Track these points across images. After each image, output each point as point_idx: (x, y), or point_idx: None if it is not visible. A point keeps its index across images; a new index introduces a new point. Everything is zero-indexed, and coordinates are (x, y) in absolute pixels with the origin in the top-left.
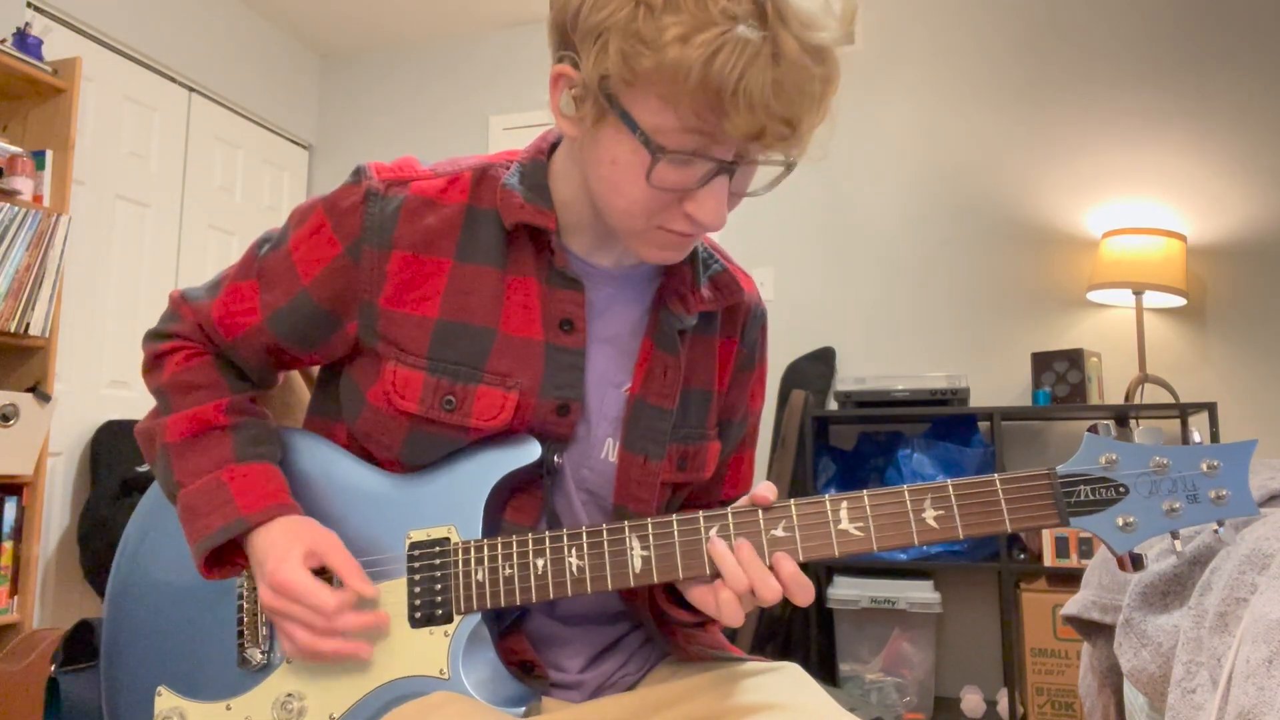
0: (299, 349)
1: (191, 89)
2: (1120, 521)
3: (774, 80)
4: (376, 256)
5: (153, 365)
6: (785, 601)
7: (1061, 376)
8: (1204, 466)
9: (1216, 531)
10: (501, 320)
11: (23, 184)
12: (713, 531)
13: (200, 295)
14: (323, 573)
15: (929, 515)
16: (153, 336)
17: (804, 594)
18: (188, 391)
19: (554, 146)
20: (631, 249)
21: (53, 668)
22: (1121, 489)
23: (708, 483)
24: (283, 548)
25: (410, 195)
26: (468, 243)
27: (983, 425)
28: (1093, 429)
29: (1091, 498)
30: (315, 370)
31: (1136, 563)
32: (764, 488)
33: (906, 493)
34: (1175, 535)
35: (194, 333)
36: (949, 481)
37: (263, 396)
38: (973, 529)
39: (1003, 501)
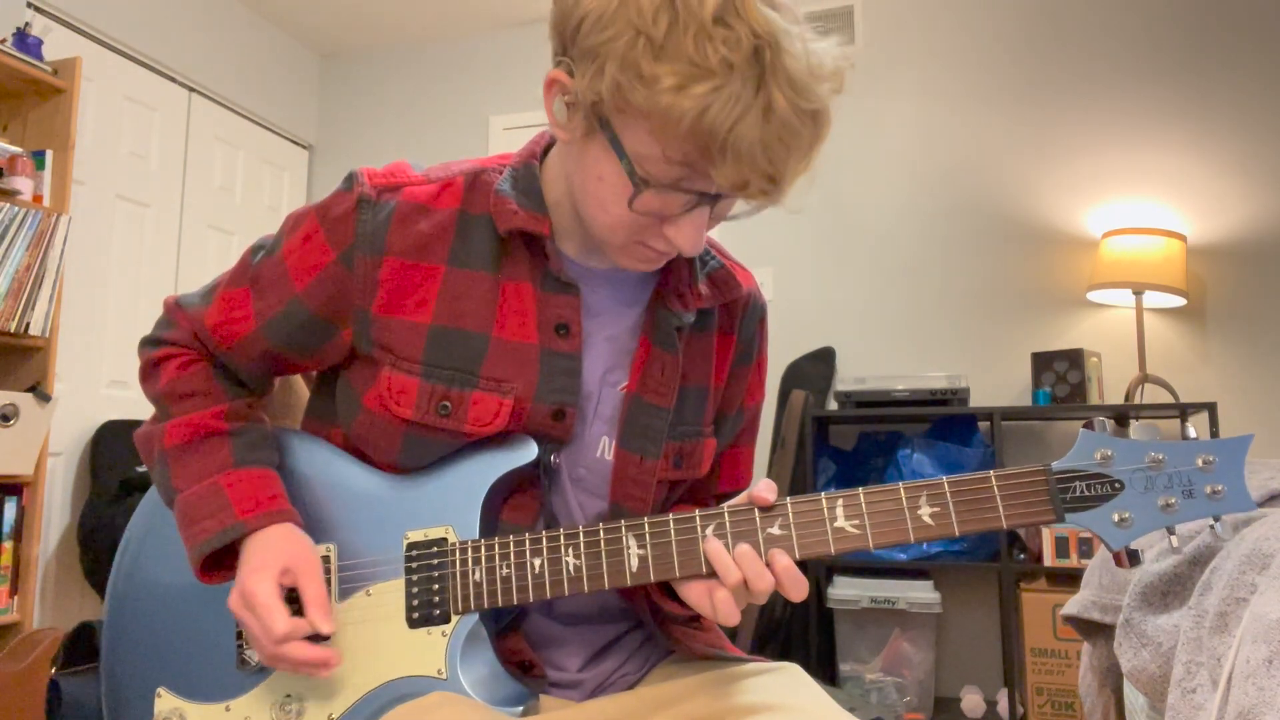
0: (294, 356)
1: (191, 89)
2: (1116, 517)
3: (762, 139)
4: (369, 263)
5: (149, 372)
6: (785, 601)
7: (1061, 376)
8: (1199, 462)
9: (1213, 527)
10: (496, 325)
11: (23, 184)
12: (709, 530)
13: (195, 302)
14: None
15: (925, 512)
16: (148, 343)
17: (797, 589)
18: (185, 398)
19: (547, 149)
20: (610, 257)
21: (54, 670)
22: (1117, 484)
23: (703, 478)
24: (262, 559)
25: (402, 201)
26: (461, 248)
27: (983, 425)
28: (1088, 425)
29: (1087, 493)
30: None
31: (1133, 558)
32: (763, 486)
33: (902, 490)
34: (1172, 531)
35: (189, 339)
36: (945, 479)
37: (260, 401)
38: (969, 526)
39: (998, 498)
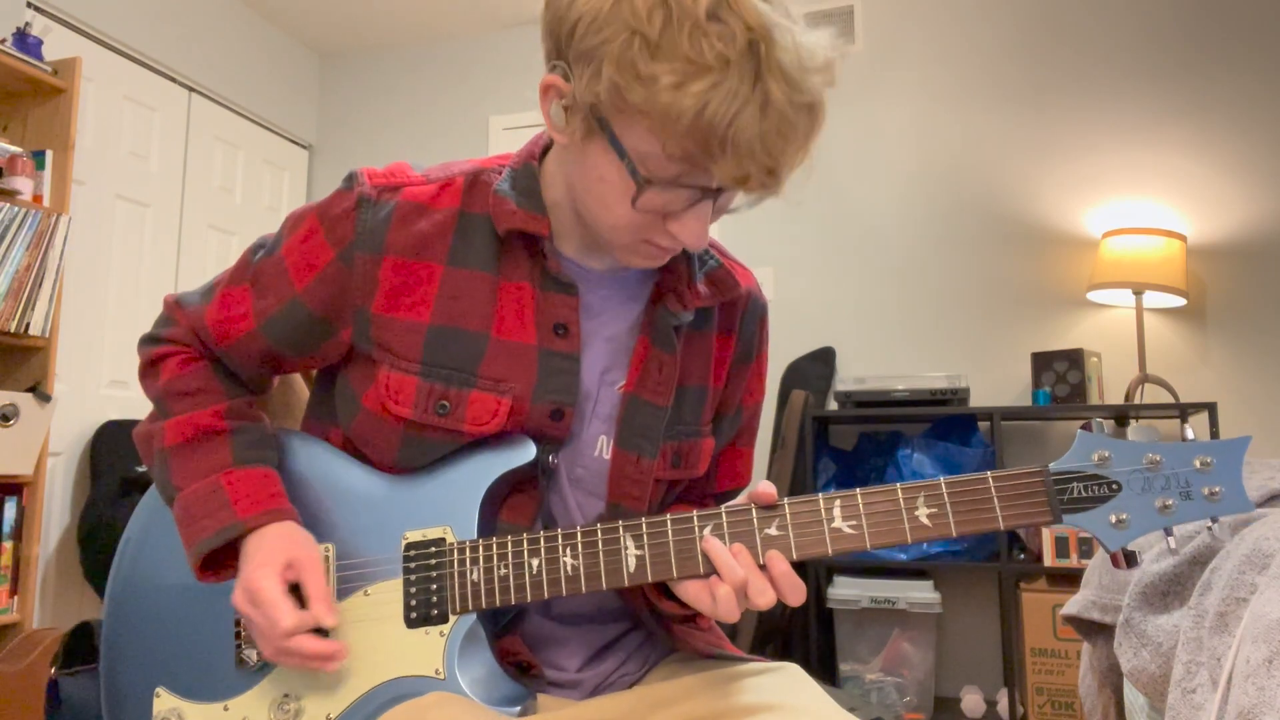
0: (293, 354)
1: (191, 89)
2: (1113, 518)
3: (761, 132)
4: (369, 262)
5: (149, 370)
6: (781, 604)
7: (1061, 376)
8: (1197, 463)
9: (1210, 529)
10: (494, 325)
11: (23, 184)
12: (707, 530)
13: (194, 300)
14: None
15: (922, 513)
16: (148, 341)
17: (795, 594)
18: (185, 396)
19: (545, 150)
20: (615, 256)
21: (53, 670)
22: (1114, 486)
23: (702, 478)
24: (265, 555)
25: (402, 201)
26: (460, 248)
27: (983, 425)
28: (1085, 426)
29: (1084, 495)
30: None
31: (1130, 559)
32: (764, 486)
33: (900, 491)
34: (1169, 533)
35: (189, 338)
36: (942, 479)
37: (260, 401)
38: (966, 526)
39: (995, 499)
